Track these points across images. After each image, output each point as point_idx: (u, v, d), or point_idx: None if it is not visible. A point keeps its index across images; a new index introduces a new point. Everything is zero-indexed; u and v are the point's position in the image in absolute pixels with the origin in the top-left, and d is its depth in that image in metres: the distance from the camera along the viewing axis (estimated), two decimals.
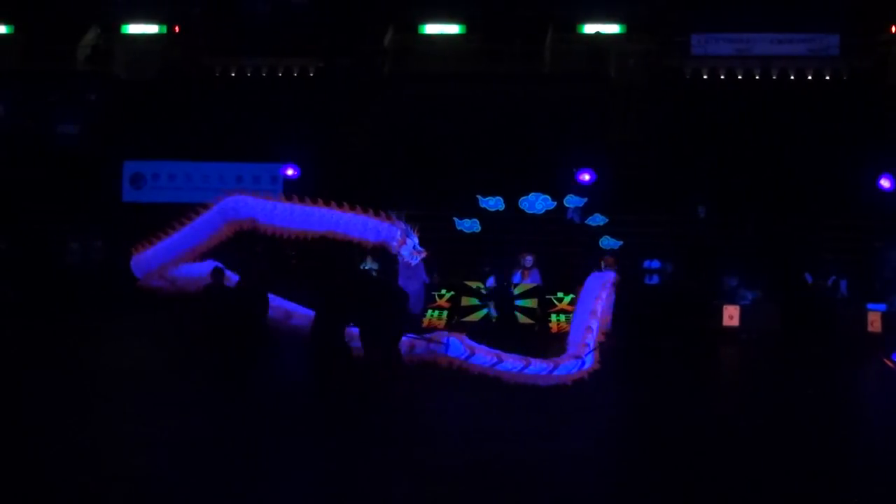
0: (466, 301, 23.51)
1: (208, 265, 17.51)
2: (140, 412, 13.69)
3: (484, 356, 15.97)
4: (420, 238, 15.42)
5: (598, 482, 10.64)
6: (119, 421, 13.16)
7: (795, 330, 24.42)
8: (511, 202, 28.04)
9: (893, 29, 37.43)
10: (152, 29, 42.03)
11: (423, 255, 15.89)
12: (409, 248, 15.59)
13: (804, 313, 25.01)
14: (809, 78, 37.67)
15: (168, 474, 10.82)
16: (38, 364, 17.83)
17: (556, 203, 28.29)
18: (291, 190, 31.43)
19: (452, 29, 40.82)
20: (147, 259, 17.57)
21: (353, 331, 16.21)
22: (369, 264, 25.20)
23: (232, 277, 17.73)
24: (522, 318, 23.50)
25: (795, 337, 24.04)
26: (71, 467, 10.91)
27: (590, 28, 40.13)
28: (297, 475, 10.82)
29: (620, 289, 23.38)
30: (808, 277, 26.20)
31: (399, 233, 15.59)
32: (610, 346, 22.75)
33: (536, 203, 28.12)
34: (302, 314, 17.43)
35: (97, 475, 10.65)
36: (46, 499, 9.85)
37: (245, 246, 21.04)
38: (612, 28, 40.04)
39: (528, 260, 24.29)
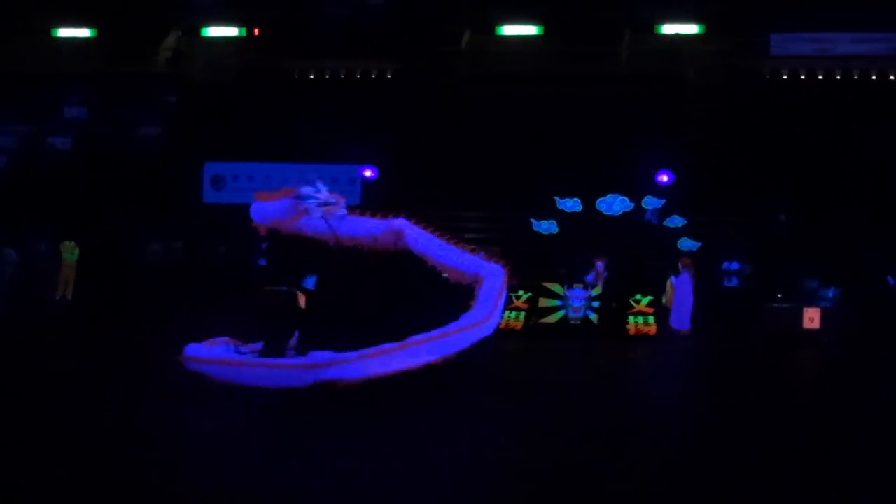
0: (544, 302, 23.31)
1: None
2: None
3: None
4: (497, 238, 14.87)
5: (674, 483, 10.59)
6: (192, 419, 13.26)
7: (877, 333, 24.06)
8: (589, 203, 27.93)
9: None
10: (232, 32, 42.61)
11: (340, 200, 14.65)
12: (323, 211, 14.42)
13: (886, 316, 24.67)
14: (892, 77, 37.19)
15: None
16: (119, 364, 18.00)
17: (633, 204, 28.16)
18: (370, 191, 31.77)
19: (530, 30, 40.85)
20: (272, 210, 15.47)
21: None
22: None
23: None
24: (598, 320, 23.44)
25: (877, 340, 23.68)
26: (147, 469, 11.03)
27: (667, 29, 39.94)
28: None
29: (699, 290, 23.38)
30: (891, 280, 25.88)
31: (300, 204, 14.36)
32: (689, 348, 22.79)
33: (614, 204, 27.99)
34: None
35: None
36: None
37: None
38: (691, 28, 39.80)
39: (600, 265, 24.28)
